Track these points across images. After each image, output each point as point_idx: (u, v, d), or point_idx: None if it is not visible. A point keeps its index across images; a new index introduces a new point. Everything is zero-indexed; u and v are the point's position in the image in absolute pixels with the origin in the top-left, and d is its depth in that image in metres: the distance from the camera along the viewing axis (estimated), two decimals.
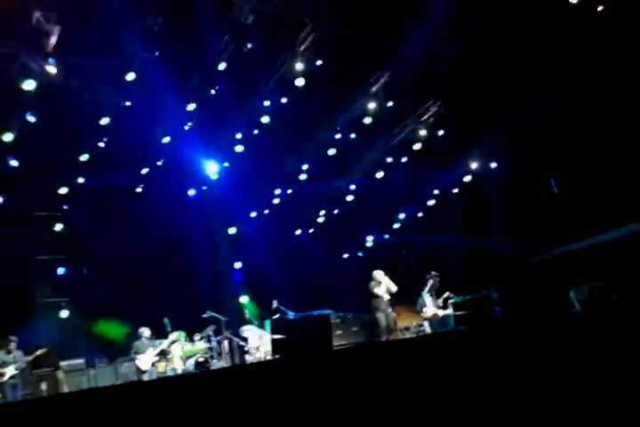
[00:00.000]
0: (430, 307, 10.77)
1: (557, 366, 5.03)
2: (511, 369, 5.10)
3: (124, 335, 11.89)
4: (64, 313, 11.90)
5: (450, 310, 10.28)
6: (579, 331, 5.57)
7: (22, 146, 10.90)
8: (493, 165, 14.62)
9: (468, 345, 5.73)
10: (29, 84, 9.92)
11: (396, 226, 16.14)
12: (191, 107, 11.91)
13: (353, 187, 15.56)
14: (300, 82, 11.76)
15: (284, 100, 12.53)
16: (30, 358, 9.27)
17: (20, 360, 9.12)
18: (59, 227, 12.46)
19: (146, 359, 9.83)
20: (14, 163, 11.12)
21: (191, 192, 13.93)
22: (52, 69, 10.00)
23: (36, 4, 9.35)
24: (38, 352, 9.39)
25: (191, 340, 10.77)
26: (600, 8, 10.76)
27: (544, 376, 4.84)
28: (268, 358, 10.11)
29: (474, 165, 14.57)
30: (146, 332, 10.16)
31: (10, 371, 8.93)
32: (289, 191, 15.20)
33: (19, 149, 10.96)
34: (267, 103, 12.56)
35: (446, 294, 10.86)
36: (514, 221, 13.42)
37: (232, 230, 14.01)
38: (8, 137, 10.51)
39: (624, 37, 10.58)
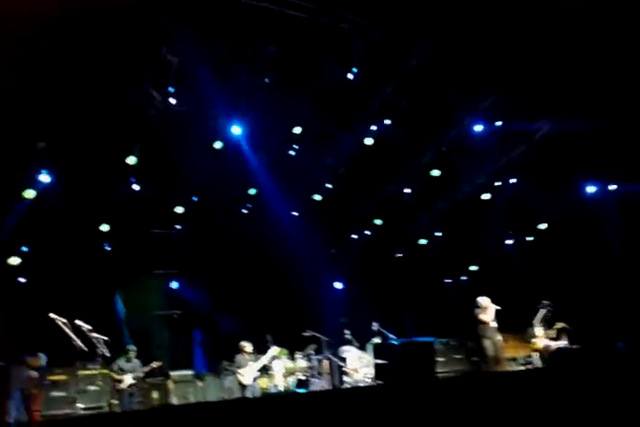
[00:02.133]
0: (541, 338, 10.22)
1: None
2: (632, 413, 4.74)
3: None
4: (175, 324, 12.52)
5: (564, 342, 9.70)
6: None
7: (143, 169, 11.68)
8: (612, 187, 13.67)
9: (586, 381, 5.39)
10: (152, 111, 10.72)
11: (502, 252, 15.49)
12: (297, 130, 12.25)
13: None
14: (403, 103, 11.80)
15: (388, 122, 12.61)
16: (147, 368, 9.79)
17: (137, 370, 9.66)
18: (173, 243, 13.19)
19: (248, 374, 10.02)
20: (136, 186, 11.95)
21: (295, 213, 14.27)
22: (172, 99, 10.73)
23: (163, 37, 10.07)
24: (154, 364, 9.88)
25: (292, 358, 10.92)
26: None
27: None
28: (367, 380, 10.06)
29: (591, 188, 13.73)
30: (247, 346, 10.31)
31: (128, 379, 9.46)
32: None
33: (140, 172, 11.74)
34: (373, 127, 12.64)
35: (560, 324, 10.24)
36: (634, 251, 12.44)
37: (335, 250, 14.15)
38: (132, 160, 11.36)
39: None
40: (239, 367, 10.07)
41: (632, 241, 12.60)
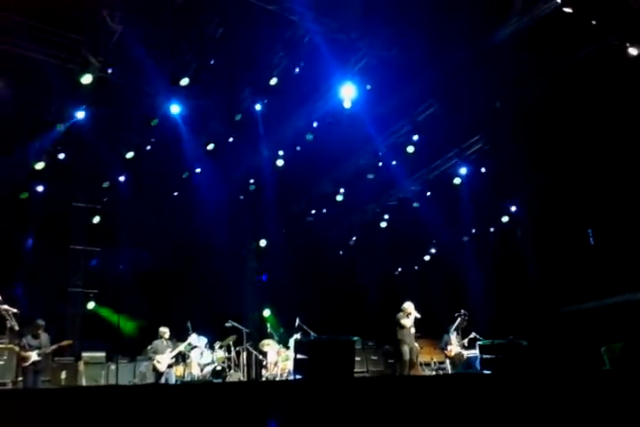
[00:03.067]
0: (455, 346, 10.65)
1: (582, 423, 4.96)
2: (535, 421, 5.05)
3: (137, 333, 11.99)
4: (91, 305, 12.04)
5: (475, 352, 10.15)
6: (608, 390, 5.48)
7: (72, 137, 11.10)
8: (531, 209, 14.42)
9: (492, 390, 5.68)
10: (87, 79, 10.19)
11: (427, 258, 16.01)
12: (237, 117, 12.05)
13: (386, 216, 15.58)
14: (347, 104, 11.86)
15: (329, 120, 12.65)
16: (54, 346, 9.22)
17: (44, 346, 9.08)
18: (96, 219, 12.67)
19: (164, 360, 9.81)
20: (61, 155, 11.34)
21: (227, 201, 14.07)
22: (110, 68, 10.25)
23: (105, 2, 9.59)
24: (63, 343, 9.36)
25: (211, 347, 10.77)
26: None
27: None
28: (285, 374, 10.10)
29: (512, 208, 14.43)
30: (167, 333, 10.11)
31: (34, 356, 8.88)
32: (324, 210, 15.23)
33: (68, 141, 11.15)
34: (314, 123, 12.66)
35: (473, 334, 10.71)
36: (548, 268, 13.22)
37: (262, 243, 14.08)
38: (60, 127, 10.75)
39: None
40: (156, 353, 9.83)
41: (546, 259, 13.38)
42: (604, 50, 10.89)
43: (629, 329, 9.04)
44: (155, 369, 9.71)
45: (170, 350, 9.89)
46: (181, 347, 10.01)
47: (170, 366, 9.80)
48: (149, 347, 10.03)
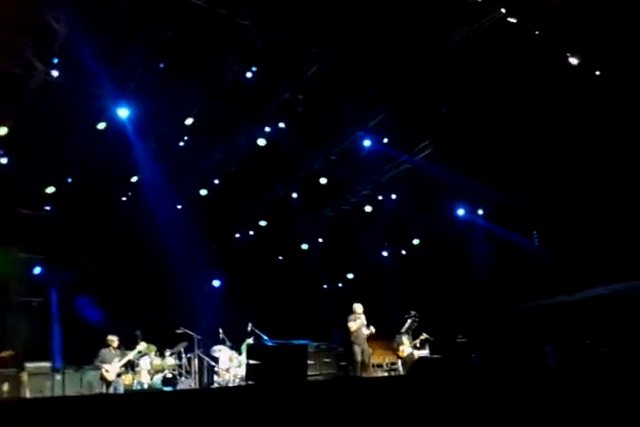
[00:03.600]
0: (407, 346, 10.82)
1: (526, 418, 5.12)
2: (481, 418, 5.18)
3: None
4: (35, 313, 11.65)
5: (426, 352, 10.34)
6: (552, 385, 5.69)
7: (14, 142, 10.77)
8: (480, 212, 14.83)
9: (441, 389, 5.79)
10: (31, 82, 9.92)
11: (378, 262, 16.20)
12: (188, 121, 11.94)
13: (341, 220, 15.70)
14: (299, 109, 11.94)
15: (282, 125, 12.69)
16: None
17: None
18: (41, 226, 12.24)
19: (112, 369, 9.60)
20: (3, 160, 11.00)
21: (179, 206, 13.90)
22: (54, 71, 10.01)
23: (49, 4, 9.37)
24: (4, 354, 9.10)
25: (161, 355, 10.59)
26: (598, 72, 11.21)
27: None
28: (237, 381, 10.02)
29: (461, 211, 14.76)
30: (115, 341, 9.91)
31: None
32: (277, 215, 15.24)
33: (10, 145, 10.82)
34: (267, 128, 12.66)
35: (424, 335, 10.92)
36: (496, 269, 13.60)
37: (214, 248, 13.97)
38: (2, 131, 10.42)
39: (622, 100, 11.00)
40: (103, 362, 9.62)
41: (494, 261, 13.77)
42: (548, 58, 11.36)
43: (574, 328, 9.41)
44: (103, 378, 9.50)
45: (118, 358, 9.68)
46: (130, 355, 9.81)
47: (119, 375, 9.59)
48: (97, 356, 9.79)
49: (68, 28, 9.57)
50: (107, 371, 9.53)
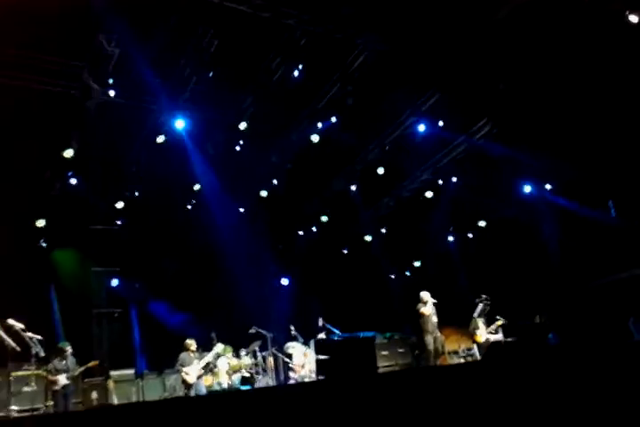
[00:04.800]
0: (483, 331, 10.55)
1: (613, 398, 4.82)
2: (565, 400, 4.92)
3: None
4: (116, 324, 12.22)
5: (500, 336, 10.02)
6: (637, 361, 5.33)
7: (81, 163, 11.32)
8: (548, 186, 14.19)
9: (519, 374, 5.57)
10: (90, 103, 10.37)
11: (444, 248, 15.84)
12: (242, 126, 12.15)
13: (401, 208, 15.46)
14: (349, 101, 11.85)
15: (334, 119, 12.66)
16: (82, 368, 9.40)
17: (72, 369, 9.24)
18: (114, 240, 12.82)
19: (192, 372, 9.84)
20: (74, 180, 11.60)
21: (241, 209, 14.17)
22: (111, 91, 10.43)
23: (101, 27, 9.77)
24: (90, 364, 9.51)
25: (237, 355, 10.82)
26: None
27: (598, 408, 4.65)
28: (313, 376, 10.09)
29: (527, 188, 14.21)
30: (193, 344, 10.10)
31: (62, 379, 9.05)
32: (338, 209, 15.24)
33: (78, 166, 11.38)
34: (319, 124, 12.66)
35: (500, 320, 10.57)
36: (570, 245, 12.97)
37: (280, 246, 14.15)
38: (68, 153, 10.98)
39: None
40: (183, 366, 9.86)
41: (565, 238, 13.13)
42: (605, 20, 10.66)
43: None
44: (184, 382, 9.73)
45: (197, 361, 9.94)
46: (209, 357, 10.04)
47: (199, 377, 9.83)
48: (177, 360, 10.08)
49: (120, 48, 9.96)
50: (187, 374, 9.77)
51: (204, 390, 9.79)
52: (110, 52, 9.98)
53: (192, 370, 9.80)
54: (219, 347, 10.17)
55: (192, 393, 9.55)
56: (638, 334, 7.57)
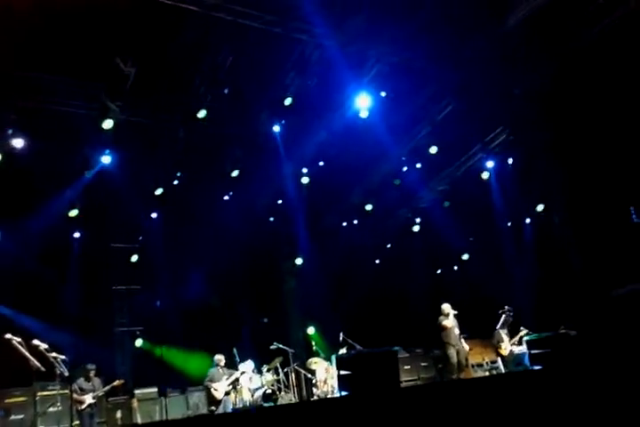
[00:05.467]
0: (507, 343, 10.41)
1: None
2: (591, 414, 4.81)
3: (195, 365, 12.12)
4: (138, 342, 12.32)
5: (524, 348, 9.86)
6: None
7: (101, 182, 11.45)
8: (566, 193, 13.97)
9: (547, 386, 5.46)
10: (108, 124, 10.52)
11: (465, 257, 15.70)
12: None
13: (418, 219, 15.49)
14: (364, 114, 11.85)
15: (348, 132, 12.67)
16: (108, 388, 9.46)
17: (97, 389, 9.33)
18: (134, 258, 12.97)
19: (220, 388, 9.87)
20: (94, 201, 11.77)
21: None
22: (128, 109, 10.60)
23: (118, 48, 9.93)
24: (115, 383, 9.55)
25: (259, 371, 10.78)
26: None
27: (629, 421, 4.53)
28: (336, 391, 10.00)
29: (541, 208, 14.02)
30: (222, 360, 10.17)
31: (88, 399, 9.14)
32: (355, 221, 15.19)
33: (97, 186, 11.51)
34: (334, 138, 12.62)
35: (524, 331, 10.42)
36: (591, 252, 12.76)
37: (299, 261, 14.14)
38: (89, 174, 11.15)
39: None
40: (212, 381, 9.91)
41: (588, 243, 12.92)
42: (619, 21, 10.58)
43: None
44: (212, 397, 9.79)
45: (226, 377, 9.97)
46: (237, 374, 10.05)
47: (227, 394, 9.86)
48: (206, 376, 10.10)
49: (135, 68, 10.12)
50: (215, 390, 9.81)
51: (230, 407, 9.79)
52: (127, 73, 10.16)
53: (221, 386, 9.86)
54: (247, 364, 10.18)
55: (220, 409, 9.56)
56: None
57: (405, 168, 14.01)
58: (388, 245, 16.04)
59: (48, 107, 10.12)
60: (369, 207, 14.77)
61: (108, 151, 11.13)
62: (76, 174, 11.25)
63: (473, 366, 11.59)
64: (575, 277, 12.78)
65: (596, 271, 12.18)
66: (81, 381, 9.27)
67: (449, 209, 14.65)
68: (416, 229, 15.53)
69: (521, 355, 10.03)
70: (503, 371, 10.52)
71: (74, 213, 11.57)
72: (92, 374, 9.37)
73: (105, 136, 10.92)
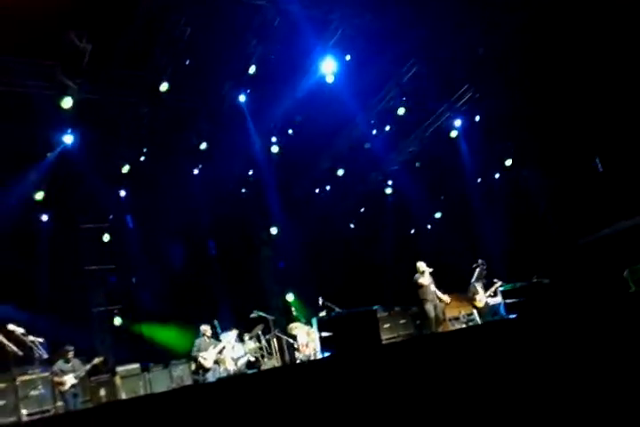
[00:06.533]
0: (482, 295, 10.69)
1: (617, 354, 4.85)
2: (568, 358, 4.95)
3: (176, 339, 12.16)
4: (117, 320, 12.27)
5: (499, 299, 10.13)
6: (636, 312, 5.35)
7: (64, 163, 11.20)
8: (533, 146, 14.14)
9: (522, 334, 5.59)
10: (67, 102, 10.21)
11: (438, 215, 15.89)
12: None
13: (390, 182, 15.54)
14: (330, 79, 11.72)
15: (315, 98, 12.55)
16: (88, 366, 9.42)
17: (78, 369, 9.28)
18: (106, 237, 12.80)
19: (209, 357, 9.95)
20: (59, 181, 11.52)
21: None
22: (87, 87, 10.29)
23: (70, 24, 9.59)
24: (95, 361, 9.54)
25: (241, 340, 10.87)
26: None
27: (603, 365, 4.67)
28: (318, 354, 10.16)
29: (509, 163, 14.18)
30: (208, 330, 10.23)
31: (70, 380, 9.08)
32: (327, 187, 15.19)
33: (61, 166, 11.26)
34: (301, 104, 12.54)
35: (498, 283, 10.70)
36: (559, 202, 13.03)
37: (274, 230, 14.13)
38: (52, 155, 10.87)
39: None
40: (199, 351, 9.96)
41: (556, 194, 13.19)
42: None
43: None
44: (201, 367, 9.85)
45: (212, 346, 10.05)
46: (225, 342, 10.13)
47: (216, 362, 9.95)
48: (193, 346, 10.15)
49: (91, 45, 9.80)
50: (204, 359, 9.89)
51: (220, 375, 9.91)
52: (82, 48, 9.83)
53: (209, 355, 9.93)
54: (232, 333, 10.27)
55: (210, 378, 9.68)
56: (633, 285, 7.63)
57: (375, 131, 13.96)
58: (362, 209, 16.11)
59: (3, 88, 9.77)
60: (340, 173, 14.76)
61: (69, 131, 10.83)
62: (38, 156, 10.97)
63: (450, 319, 11.89)
64: (544, 228, 13.09)
65: (565, 221, 12.48)
66: (60, 362, 9.22)
67: (420, 170, 14.71)
68: (388, 191, 15.62)
69: (496, 306, 10.34)
70: (479, 322, 10.81)
71: (40, 195, 11.33)
72: (70, 355, 9.32)
73: (65, 115, 10.61)
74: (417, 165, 14.77)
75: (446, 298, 10.38)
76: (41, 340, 7.93)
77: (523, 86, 12.69)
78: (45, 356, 7.82)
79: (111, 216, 12.95)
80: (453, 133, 13.95)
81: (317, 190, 15.41)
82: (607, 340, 4.98)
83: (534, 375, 4.81)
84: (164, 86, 10.75)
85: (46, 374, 9.13)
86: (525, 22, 11.82)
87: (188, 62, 10.93)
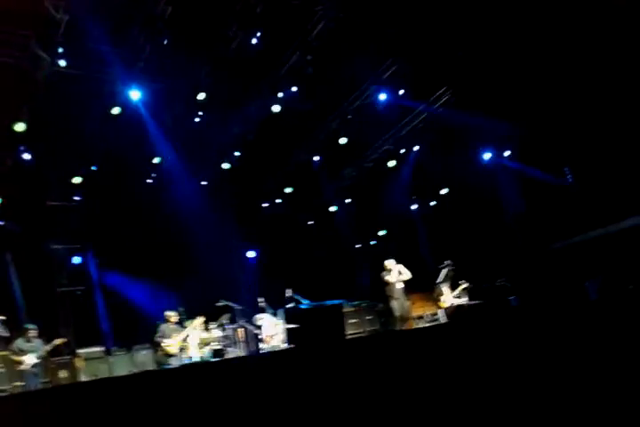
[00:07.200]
0: (448, 296, 10.88)
1: (572, 357, 5.03)
2: (525, 360, 5.12)
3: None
4: (80, 302, 12.05)
5: (465, 300, 10.34)
6: (594, 320, 5.56)
7: (34, 137, 10.91)
8: (507, 153, 14.42)
9: (482, 335, 5.75)
10: (40, 74, 9.94)
11: (407, 216, 16.07)
12: (201, 96, 11.86)
13: (363, 179, 15.58)
14: (309, 70, 11.70)
15: (294, 89, 12.51)
16: (49, 347, 9.30)
17: (39, 349, 9.15)
18: (72, 216, 12.51)
19: (174, 343, 9.85)
20: (27, 155, 11.19)
21: (204, 182, 13.98)
22: (61, 61, 10.00)
23: None
24: (57, 342, 9.42)
25: (206, 328, 10.83)
26: None
27: (559, 367, 4.84)
28: (283, 346, 10.21)
29: (487, 155, 14.41)
30: (173, 316, 10.11)
31: (30, 359, 8.95)
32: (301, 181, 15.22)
33: (30, 140, 10.96)
34: (279, 94, 12.51)
35: (464, 283, 10.90)
36: (529, 209, 13.32)
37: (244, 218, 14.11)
38: (20, 127, 10.55)
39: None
40: (163, 337, 9.84)
41: (524, 202, 13.48)
42: None
43: (613, 260, 9.15)
44: (166, 353, 9.72)
45: (177, 333, 9.93)
46: (189, 329, 10.03)
47: (181, 350, 9.85)
48: (157, 332, 10.00)
49: (68, 16, 9.51)
50: (168, 345, 9.75)
51: (184, 361, 9.83)
52: (58, 19, 9.53)
53: (173, 341, 9.80)
54: (199, 320, 10.18)
55: (174, 364, 9.56)
56: (594, 295, 7.90)
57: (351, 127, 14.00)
58: (334, 208, 16.13)
59: None
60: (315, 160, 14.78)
61: (41, 103, 10.54)
62: (4, 130, 10.63)
63: (415, 318, 12.07)
64: (513, 232, 13.38)
65: (534, 227, 12.78)
66: (20, 341, 9.05)
67: (394, 169, 14.82)
68: (361, 189, 15.68)
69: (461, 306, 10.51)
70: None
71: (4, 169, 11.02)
72: (31, 334, 9.16)
73: (36, 88, 10.30)
74: (391, 164, 14.86)
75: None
76: (2, 317, 7.77)
77: (501, 92, 12.86)
78: (6, 334, 7.65)
79: (77, 197, 12.66)
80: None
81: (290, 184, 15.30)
82: (563, 345, 5.18)
83: (489, 374, 4.97)
84: (140, 64, 10.56)
85: (5, 352, 8.93)
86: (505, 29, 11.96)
87: (166, 42, 10.73)
